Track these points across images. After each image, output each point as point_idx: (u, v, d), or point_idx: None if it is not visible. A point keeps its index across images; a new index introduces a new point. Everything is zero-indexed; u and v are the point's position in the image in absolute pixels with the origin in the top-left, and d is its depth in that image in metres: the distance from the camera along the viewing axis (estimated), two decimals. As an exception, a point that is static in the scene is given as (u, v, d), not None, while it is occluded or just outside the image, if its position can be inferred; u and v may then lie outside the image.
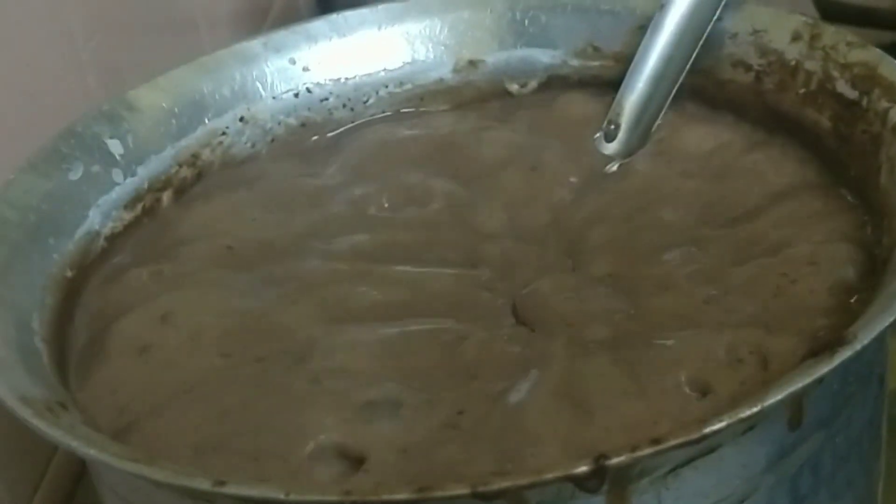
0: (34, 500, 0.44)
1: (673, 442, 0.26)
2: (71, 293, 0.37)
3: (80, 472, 0.47)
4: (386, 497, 0.26)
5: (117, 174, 0.40)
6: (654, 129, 0.42)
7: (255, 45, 0.44)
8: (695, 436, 0.26)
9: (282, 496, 0.26)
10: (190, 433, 0.31)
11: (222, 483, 0.26)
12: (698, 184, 0.39)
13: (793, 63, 0.40)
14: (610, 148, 0.42)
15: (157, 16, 0.62)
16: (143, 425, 0.32)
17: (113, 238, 0.39)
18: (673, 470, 0.28)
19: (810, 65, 0.40)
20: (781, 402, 0.27)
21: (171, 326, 0.35)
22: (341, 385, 0.32)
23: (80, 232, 0.38)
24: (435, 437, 0.30)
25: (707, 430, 0.26)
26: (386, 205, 0.40)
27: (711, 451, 0.28)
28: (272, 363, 0.33)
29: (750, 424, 0.28)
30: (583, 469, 0.26)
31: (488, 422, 0.30)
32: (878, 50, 0.38)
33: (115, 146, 0.40)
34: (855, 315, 0.29)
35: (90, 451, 0.28)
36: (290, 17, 0.68)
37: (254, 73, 0.44)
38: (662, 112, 0.42)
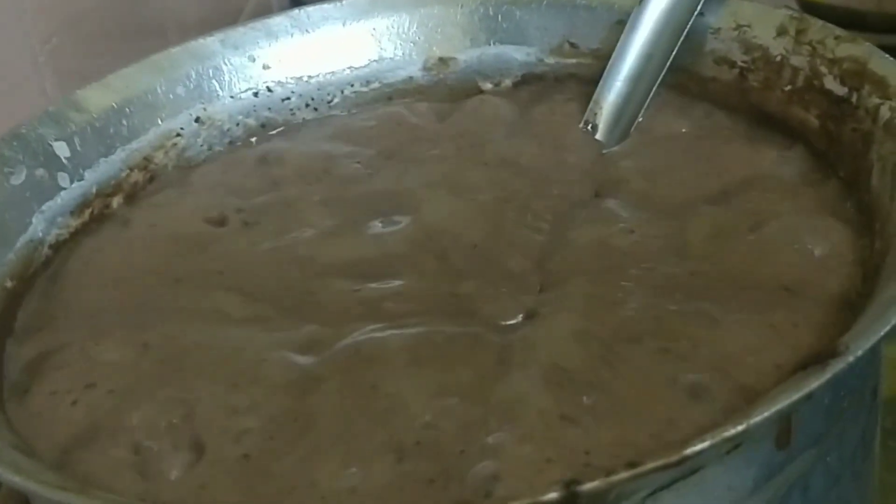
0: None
1: (651, 465, 0.24)
2: (11, 304, 0.35)
3: None
4: None
5: (63, 178, 0.38)
6: (632, 129, 0.40)
7: (211, 41, 0.42)
8: (675, 458, 0.24)
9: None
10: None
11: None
12: None
13: (778, 59, 0.38)
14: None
15: (123, 20, 0.60)
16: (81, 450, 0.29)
17: (58, 246, 0.37)
18: (652, 494, 0.26)
19: (797, 60, 0.38)
20: (769, 419, 0.25)
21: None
22: None
23: (22, 240, 0.36)
24: None
25: (688, 451, 0.24)
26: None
27: (694, 472, 0.26)
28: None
29: (735, 444, 0.26)
30: (552, 496, 0.24)
31: None
32: (867, 44, 0.36)
33: (62, 149, 0.38)
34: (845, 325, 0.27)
35: (15, 479, 0.25)
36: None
37: (210, 72, 0.41)
38: (642, 112, 0.40)
